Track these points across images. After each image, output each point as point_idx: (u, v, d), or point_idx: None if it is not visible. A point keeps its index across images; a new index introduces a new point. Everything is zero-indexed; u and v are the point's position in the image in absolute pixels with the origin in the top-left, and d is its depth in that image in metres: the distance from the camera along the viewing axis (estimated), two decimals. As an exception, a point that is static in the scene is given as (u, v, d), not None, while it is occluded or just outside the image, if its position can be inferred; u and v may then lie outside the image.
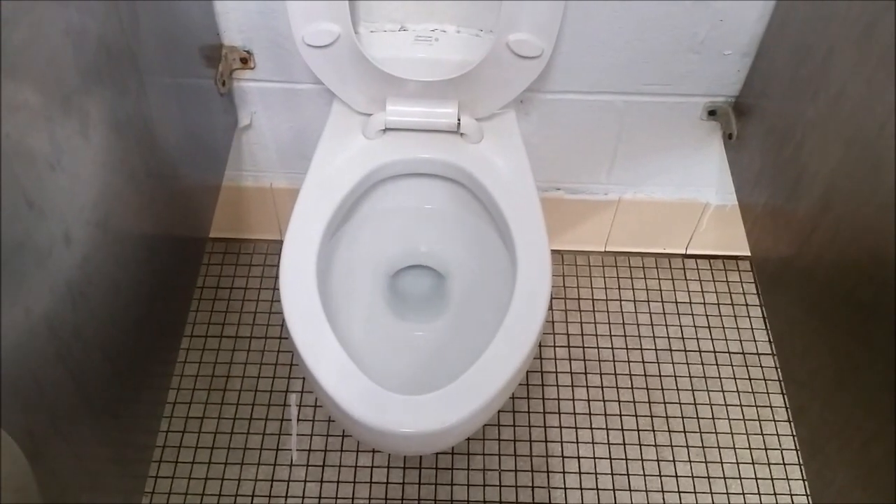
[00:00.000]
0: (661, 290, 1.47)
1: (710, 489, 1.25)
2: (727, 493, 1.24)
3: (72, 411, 0.72)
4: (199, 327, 1.39)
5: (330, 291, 1.11)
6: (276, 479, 1.23)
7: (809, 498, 1.21)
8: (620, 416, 1.32)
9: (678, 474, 1.26)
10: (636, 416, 1.32)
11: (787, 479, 1.26)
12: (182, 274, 1.09)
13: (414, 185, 1.17)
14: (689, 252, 1.52)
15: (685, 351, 1.39)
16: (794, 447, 1.29)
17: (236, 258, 1.48)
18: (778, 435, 1.31)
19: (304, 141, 1.32)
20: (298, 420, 1.28)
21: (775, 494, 1.25)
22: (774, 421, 1.32)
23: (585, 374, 1.36)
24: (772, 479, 1.26)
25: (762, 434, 1.31)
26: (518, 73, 1.08)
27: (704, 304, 1.45)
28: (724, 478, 1.26)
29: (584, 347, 1.39)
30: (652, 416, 1.32)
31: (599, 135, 1.28)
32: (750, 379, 1.37)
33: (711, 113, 1.24)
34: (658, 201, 1.41)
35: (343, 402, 0.89)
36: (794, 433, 1.26)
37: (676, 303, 1.45)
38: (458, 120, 1.11)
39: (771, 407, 1.33)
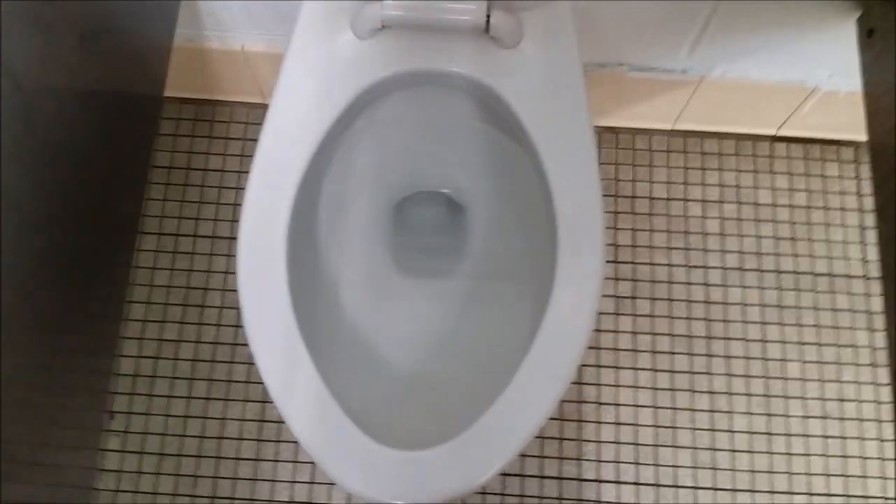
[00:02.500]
0: (738, 187, 1.17)
1: (770, 448, 1.07)
2: (789, 454, 1.06)
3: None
4: (168, 222, 1.14)
5: (315, 242, 0.85)
6: (265, 420, 1.07)
7: None
8: (672, 353, 1.10)
9: (733, 429, 1.07)
10: (690, 354, 1.10)
11: (862, 438, 1.07)
12: (133, 136, 0.86)
13: (424, 93, 0.85)
14: (780, 134, 1.20)
15: (759, 271, 1.13)
16: (875, 398, 1.09)
17: (210, 127, 1.19)
18: (858, 383, 1.09)
19: (281, -1, 0.97)
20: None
21: (846, 457, 1.06)
22: (856, 365, 1.10)
23: (633, 298, 1.12)
24: (843, 437, 1.07)
25: (839, 381, 1.09)
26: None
27: (791, 206, 1.16)
28: (787, 434, 1.07)
29: (633, 263, 1.14)
30: (709, 356, 1.10)
31: None
32: (834, 310, 1.12)
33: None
34: (752, 82, 1.06)
35: (320, 457, 0.68)
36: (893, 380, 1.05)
37: (756, 204, 1.16)
38: (488, 16, 0.76)
39: (855, 347, 1.11)
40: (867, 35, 0.88)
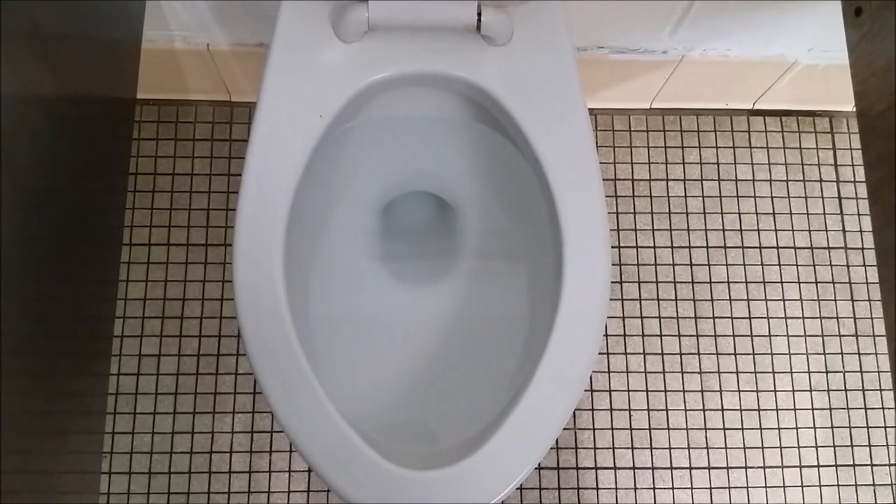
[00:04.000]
0: (718, 164, 1.17)
1: (760, 424, 1.08)
2: (778, 429, 1.08)
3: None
4: (139, 232, 1.10)
5: (306, 253, 0.82)
6: (256, 431, 1.04)
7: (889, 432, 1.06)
8: (661, 336, 1.10)
9: (724, 407, 1.09)
10: (679, 336, 1.11)
11: (848, 408, 1.10)
12: (110, 143, 0.81)
13: (412, 93, 0.82)
14: (756, 108, 1.19)
15: (742, 248, 1.14)
16: (859, 368, 1.11)
17: (175, 129, 1.14)
18: (842, 354, 1.11)
19: (248, -4, 0.92)
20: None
21: (833, 427, 1.09)
22: (839, 336, 1.12)
23: (620, 283, 1.12)
24: (830, 409, 1.09)
25: (824, 353, 1.11)
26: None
27: (770, 181, 1.16)
28: (777, 409, 1.09)
29: (619, 247, 1.13)
30: (698, 336, 1.11)
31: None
32: (816, 283, 1.13)
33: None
34: (732, 60, 1.05)
35: (336, 482, 0.66)
36: (893, 363, 1.07)
37: (736, 181, 1.16)
38: (479, 15, 0.73)
39: (837, 318, 1.12)
40: (855, 14, 0.87)
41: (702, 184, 1.16)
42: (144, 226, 1.10)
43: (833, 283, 1.13)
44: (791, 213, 1.15)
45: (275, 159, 0.73)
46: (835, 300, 1.13)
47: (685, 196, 1.15)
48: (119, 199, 0.88)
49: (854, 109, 0.87)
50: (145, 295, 1.07)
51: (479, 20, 0.73)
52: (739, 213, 1.15)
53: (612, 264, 1.12)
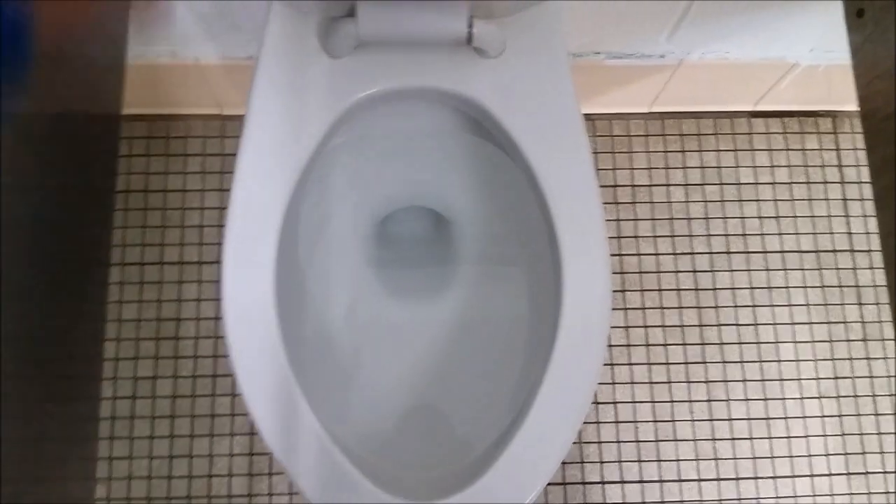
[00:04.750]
0: (720, 168, 1.14)
1: (769, 433, 1.06)
2: (788, 437, 1.06)
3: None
4: (131, 251, 1.08)
5: (299, 275, 0.80)
6: (254, 453, 1.02)
7: None
8: (665, 346, 1.08)
9: (731, 416, 1.06)
10: (684, 344, 1.08)
11: (858, 414, 1.07)
12: (95, 160, 0.78)
13: (404, 107, 0.80)
14: (757, 109, 1.17)
15: (746, 253, 1.11)
16: (868, 373, 1.09)
17: (166, 144, 1.11)
18: (851, 359, 1.09)
19: (237, 10, 0.89)
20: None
21: (843, 435, 1.07)
22: (848, 341, 1.10)
23: (623, 291, 1.10)
24: (840, 415, 1.07)
25: (832, 359, 1.09)
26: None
27: (773, 184, 1.14)
28: (786, 418, 1.07)
29: (620, 255, 1.11)
30: (703, 344, 1.08)
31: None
32: (823, 287, 1.11)
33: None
34: (731, 62, 1.03)
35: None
36: None
37: (738, 184, 1.14)
38: (470, 27, 0.71)
39: (845, 323, 1.10)
40: (857, 15, 0.84)
41: (703, 188, 1.14)
42: (137, 244, 1.08)
43: (840, 286, 1.11)
44: (795, 217, 1.13)
45: (263, 181, 0.71)
46: (842, 304, 1.11)
47: (687, 201, 1.13)
48: (107, 218, 0.86)
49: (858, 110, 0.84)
50: (139, 316, 1.05)
51: (470, 33, 0.71)
52: (742, 218, 1.13)
53: (614, 272, 1.10)
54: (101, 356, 0.85)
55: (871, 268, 1.12)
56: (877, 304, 1.10)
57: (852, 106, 1.16)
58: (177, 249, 1.07)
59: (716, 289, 1.10)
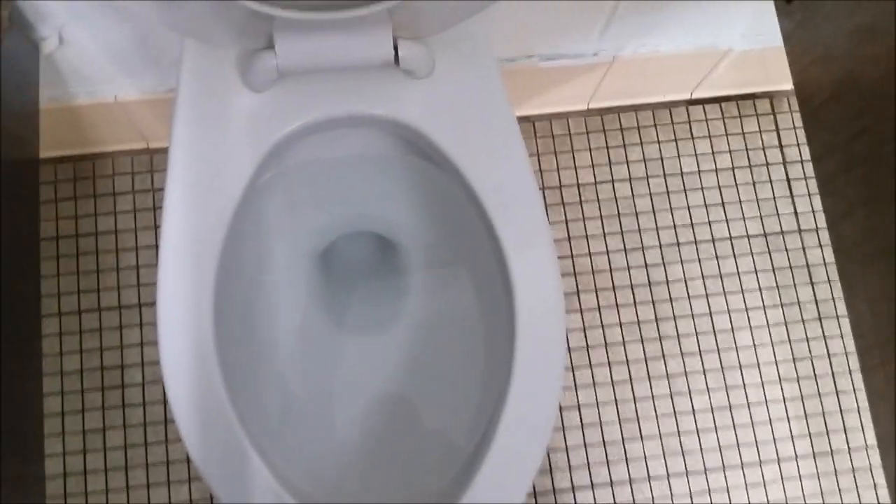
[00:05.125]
0: (662, 159, 1.14)
1: (733, 421, 1.06)
2: (751, 423, 1.06)
3: None
4: (67, 300, 1.03)
5: (243, 316, 0.77)
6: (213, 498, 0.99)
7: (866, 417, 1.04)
8: (623, 343, 1.07)
9: (695, 409, 1.06)
10: (642, 340, 1.08)
11: (820, 394, 1.08)
12: (13, 208, 0.74)
13: (336, 135, 0.77)
14: (694, 97, 1.16)
15: (695, 243, 1.11)
16: (826, 352, 1.09)
17: (93, 185, 1.07)
18: (807, 339, 1.09)
19: (152, 45, 0.85)
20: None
21: (806, 416, 1.07)
22: (803, 322, 1.10)
23: (577, 293, 1.08)
24: (802, 397, 1.08)
25: (789, 341, 1.09)
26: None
27: (716, 170, 1.14)
28: (748, 404, 1.07)
29: (572, 257, 1.09)
30: (661, 338, 1.08)
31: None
32: (773, 269, 1.11)
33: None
34: (664, 54, 1.02)
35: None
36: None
37: (682, 174, 1.13)
38: (395, 49, 0.68)
39: (799, 304, 1.10)
40: (786, 1, 0.84)
41: (648, 181, 1.13)
42: (72, 292, 1.03)
43: (791, 267, 1.12)
44: (740, 201, 1.13)
45: (193, 225, 0.67)
46: (794, 285, 1.11)
47: (633, 196, 1.12)
48: (32, 267, 0.82)
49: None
50: (81, 366, 1.01)
51: (396, 55, 0.68)
52: (689, 207, 1.12)
53: (568, 275, 1.08)
54: (41, 413, 0.81)
55: (819, 246, 1.12)
56: (828, 281, 1.11)
57: (790, 85, 1.16)
58: (114, 294, 1.03)
59: (668, 282, 1.09)
